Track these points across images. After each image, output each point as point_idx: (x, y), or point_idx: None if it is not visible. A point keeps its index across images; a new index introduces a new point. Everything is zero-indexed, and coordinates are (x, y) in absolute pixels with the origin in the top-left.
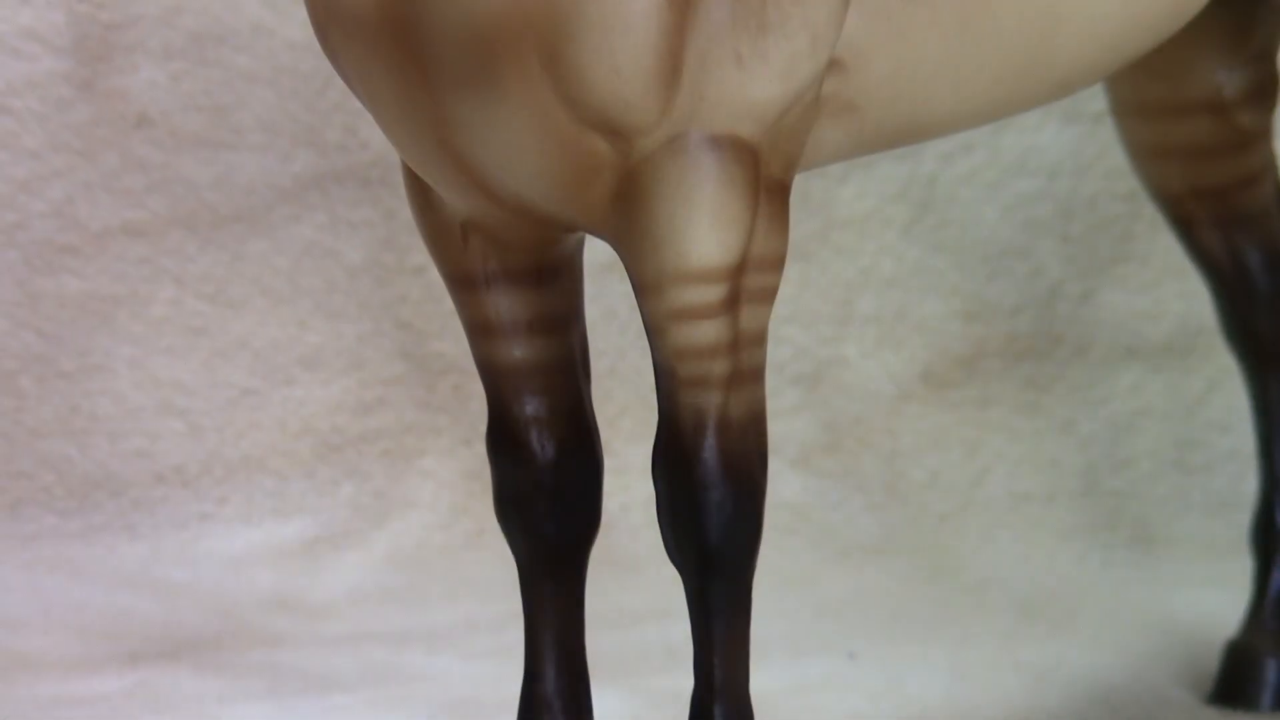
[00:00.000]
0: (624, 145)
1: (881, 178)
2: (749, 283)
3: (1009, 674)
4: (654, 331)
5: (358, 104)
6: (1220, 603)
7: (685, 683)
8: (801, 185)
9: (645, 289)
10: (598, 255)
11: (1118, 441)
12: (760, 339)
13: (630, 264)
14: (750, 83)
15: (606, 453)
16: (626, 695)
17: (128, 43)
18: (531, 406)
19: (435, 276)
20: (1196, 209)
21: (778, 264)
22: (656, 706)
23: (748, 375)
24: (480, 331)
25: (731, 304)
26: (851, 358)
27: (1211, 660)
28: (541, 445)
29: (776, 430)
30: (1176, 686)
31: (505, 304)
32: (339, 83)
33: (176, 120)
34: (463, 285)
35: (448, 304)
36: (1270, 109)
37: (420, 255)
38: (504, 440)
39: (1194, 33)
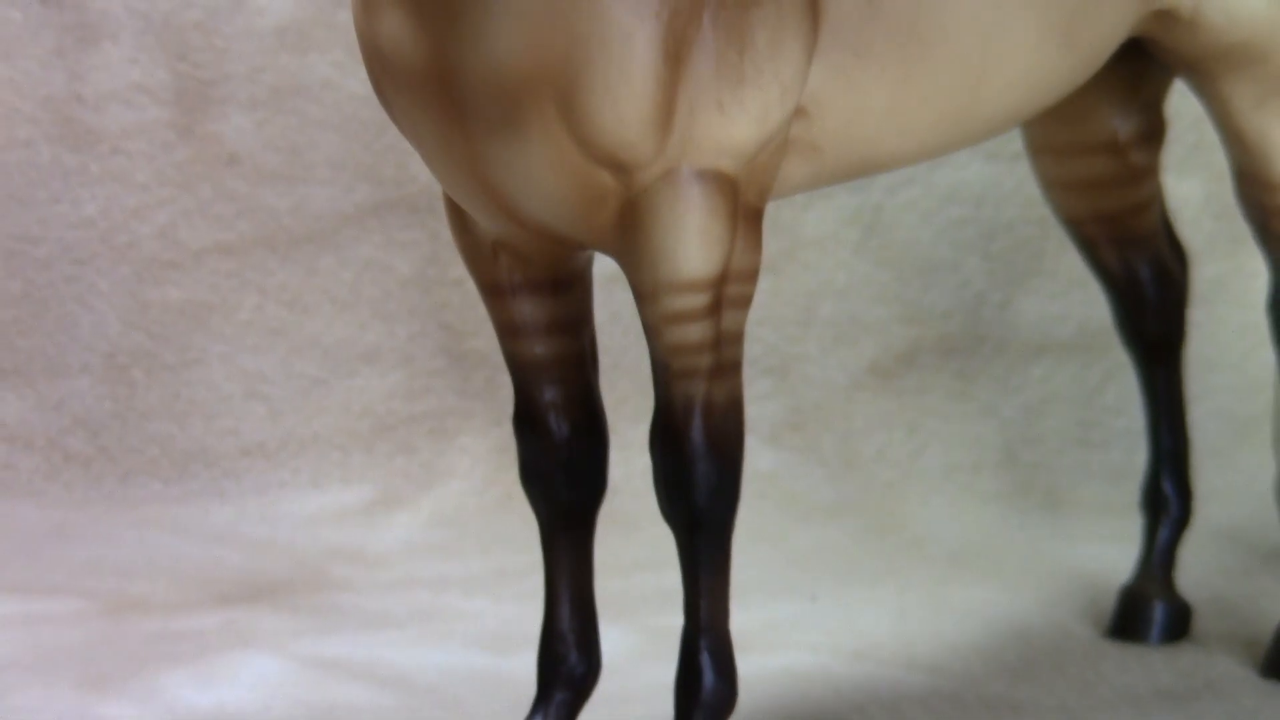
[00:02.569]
0: (626, 178)
1: (838, 205)
2: (729, 291)
3: (943, 613)
4: (651, 332)
5: (408, 145)
6: (1116, 555)
7: (676, 621)
8: (772, 211)
9: (643, 297)
10: (605, 269)
11: (1031, 422)
12: (739, 338)
13: (631, 276)
14: (731, 126)
15: (612, 432)
16: (628, 631)
17: (220, 95)
18: (550, 394)
19: (471, 286)
20: (1097, 231)
21: (753, 276)
22: (653, 640)
23: (728, 368)
24: (508, 332)
25: (715, 309)
26: (812, 354)
27: (1108, 602)
28: (558, 425)
29: (752, 413)
30: (1080, 624)
31: (528, 309)
32: (393, 128)
33: (260, 159)
34: (493, 293)
35: (481, 309)
36: (1158, 149)
37: (459, 269)
38: (527, 421)
39: (1095, 86)
